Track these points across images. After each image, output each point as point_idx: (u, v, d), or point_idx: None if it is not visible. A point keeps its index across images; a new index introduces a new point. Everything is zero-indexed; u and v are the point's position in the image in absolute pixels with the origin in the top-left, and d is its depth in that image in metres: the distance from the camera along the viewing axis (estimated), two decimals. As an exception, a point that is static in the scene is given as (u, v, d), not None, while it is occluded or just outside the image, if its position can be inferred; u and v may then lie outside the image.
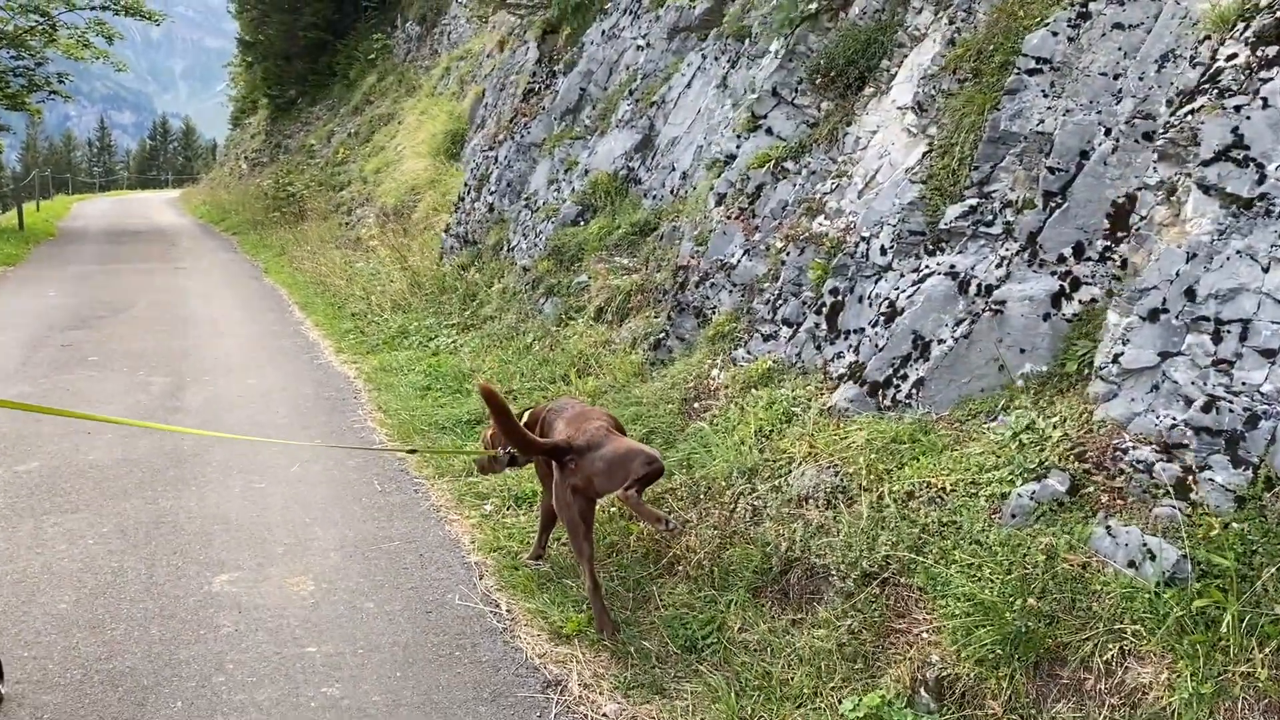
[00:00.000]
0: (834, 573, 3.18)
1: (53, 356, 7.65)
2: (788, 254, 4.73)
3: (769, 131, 5.54)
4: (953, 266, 3.71)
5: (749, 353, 4.62)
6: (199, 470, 5.00)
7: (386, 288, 9.17)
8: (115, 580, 3.75)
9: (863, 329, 4.01)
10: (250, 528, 4.27)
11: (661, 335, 5.33)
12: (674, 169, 7.01)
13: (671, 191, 6.97)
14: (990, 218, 3.69)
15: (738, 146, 5.95)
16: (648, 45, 7.81)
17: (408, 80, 20.87)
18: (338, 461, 5.14)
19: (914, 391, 3.60)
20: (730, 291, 5.01)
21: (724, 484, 3.85)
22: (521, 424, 3.55)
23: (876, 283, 4.08)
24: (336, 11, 25.84)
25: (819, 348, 4.25)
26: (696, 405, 4.55)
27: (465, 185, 9.63)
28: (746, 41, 6.70)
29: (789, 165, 5.20)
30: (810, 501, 3.47)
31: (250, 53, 29.77)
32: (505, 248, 8.48)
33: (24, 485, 4.75)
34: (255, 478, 4.90)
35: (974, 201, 3.76)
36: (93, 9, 21.63)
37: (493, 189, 8.98)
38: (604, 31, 8.48)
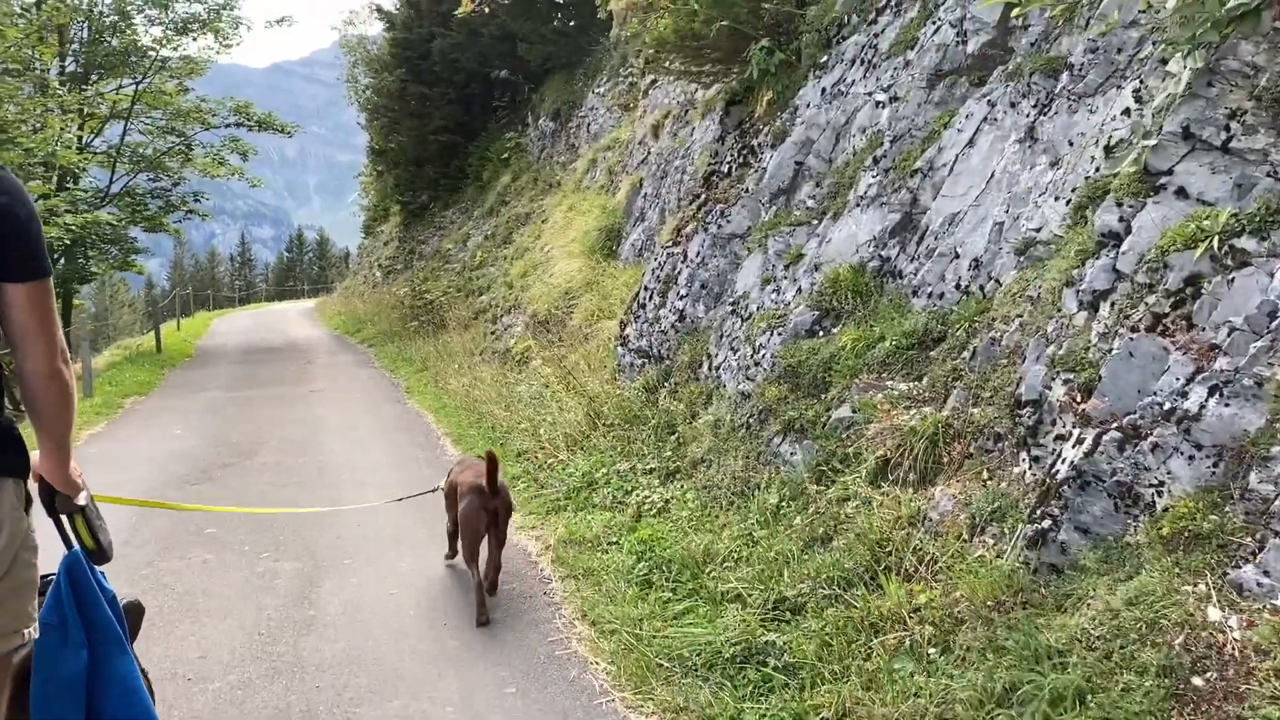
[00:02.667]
0: None
1: (165, 528, 6.17)
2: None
3: (1181, 194, 3.59)
4: None
5: (1270, 577, 2.61)
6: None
7: (557, 418, 7.48)
8: None
9: None
10: None
11: (1045, 525, 3.35)
12: (957, 255, 5.12)
13: (957, 286, 5.06)
14: None
15: (1077, 218, 4.06)
16: (894, 99, 6.02)
17: (544, 177, 19.82)
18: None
19: None
20: (1190, 458, 3.01)
21: None
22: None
23: None
24: (466, 113, 25.35)
25: None
26: (1201, 684, 2.53)
27: (645, 288, 7.94)
28: (1067, 75, 4.82)
29: (1246, 244, 3.23)
30: None
31: (381, 161, 29.65)
32: (707, 365, 6.69)
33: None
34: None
35: None
36: (227, 126, 21.52)
37: (682, 292, 7.26)
38: (824, 90, 6.75)
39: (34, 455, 2.25)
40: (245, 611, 4.68)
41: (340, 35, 36.44)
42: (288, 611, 4.67)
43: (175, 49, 20.74)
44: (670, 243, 7.80)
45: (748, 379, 5.97)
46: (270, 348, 20.85)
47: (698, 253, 7.24)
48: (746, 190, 7.01)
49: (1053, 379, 3.82)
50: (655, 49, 7.63)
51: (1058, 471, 3.49)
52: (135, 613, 2.70)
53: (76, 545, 2.44)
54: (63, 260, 18.63)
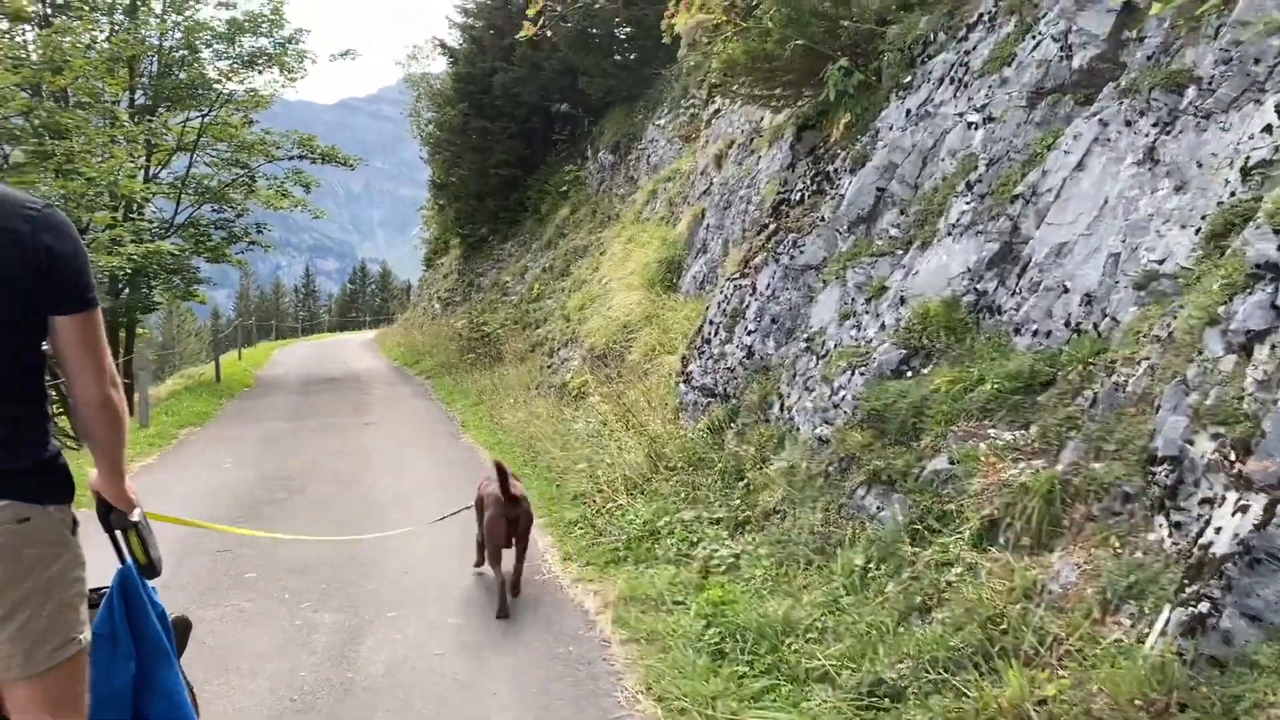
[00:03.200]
0: None
1: (205, 569, 5.85)
2: None
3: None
4: None
5: None
6: None
7: (616, 459, 7.05)
8: None
9: None
10: None
11: (1202, 609, 2.81)
12: (1066, 290, 4.60)
13: (1067, 324, 4.54)
14: None
15: (1210, 248, 3.56)
16: (989, 120, 5.53)
17: (603, 210, 19.58)
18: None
19: None
20: (1398, 536, 2.47)
21: None
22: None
23: None
24: (527, 147, 25.32)
25: None
26: None
27: (709, 323, 7.50)
28: (1193, 90, 4.30)
29: None
30: None
31: (442, 194, 29.75)
32: (778, 406, 6.21)
33: None
34: None
35: None
36: (290, 158, 21.68)
37: (751, 326, 6.81)
38: (908, 112, 6.28)
39: (92, 474, 2.42)
40: (279, 670, 4.29)
41: (404, 71, 36.91)
42: (325, 672, 4.27)
43: (241, 82, 20.99)
44: (737, 274, 7.37)
45: (825, 422, 5.48)
46: (329, 378, 20.80)
47: (768, 285, 6.78)
48: (822, 219, 6.55)
49: (1196, 432, 3.29)
50: (724, 72, 7.25)
51: (1212, 543, 2.95)
52: (183, 628, 2.81)
53: (129, 560, 2.54)
54: (126, 289, 18.79)
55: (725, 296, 7.37)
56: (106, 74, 15.24)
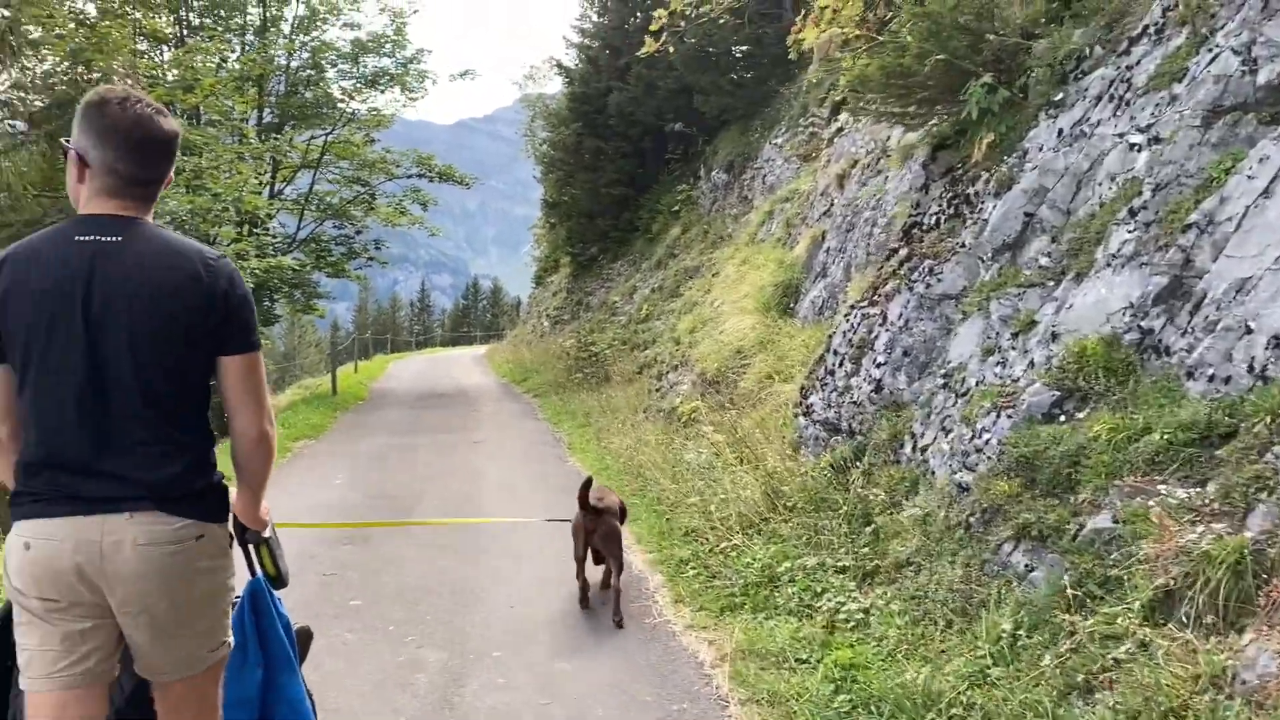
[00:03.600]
0: None
1: (312, 594, 5.75)
2: None
3: None
4: None
5: None
6: None
7: (730, 494, 6.71)
8: None
9: None
10: None
11: None
12: (1249, 330, 4.08)
13: (1251, 369, 4.02)
14: None
15: None
16: (1155, 141, 5.03)
17: (715, 230, 19.31)
18: None
19: None
20: None
21: None
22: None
23: None
24: (639, 166, 25.29)
25: None
26: None
27: (833, 352, 7.11)
28: None
29: None
30: None
31: (554, 213, 30.00)
32: (910, 446, 5.78)
33: None
34: None
35: None
36: (409, 176, 22.09)
37: (880, 359, 6.39)
38: (1060, 131, 5.80)
39: (232, 493, 2.55)
40: (378, 713, 4.10)
41: (520, 91, 37.48)
42: (428, 714, 4.06)
43: (363, 101, 21.53)
44: (865, 302, 6.96)
45: (966, 468, 5.04)
46: (440, 393, 21.04)
47: (900, 315, 6.36)
48: (962, 245, 6.10)
49: None
50: (854, 88, 6.88)
51: None
52: (305, 638, 2.97)
53: (260, 573, 2.72)
54: (251, 303, 19.40)
55: (851, 325, 6.97)
56: (235, 92, 15.75)
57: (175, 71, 13.77)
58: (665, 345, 14.58)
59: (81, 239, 2.26)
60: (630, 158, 25.13)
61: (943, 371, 5.78)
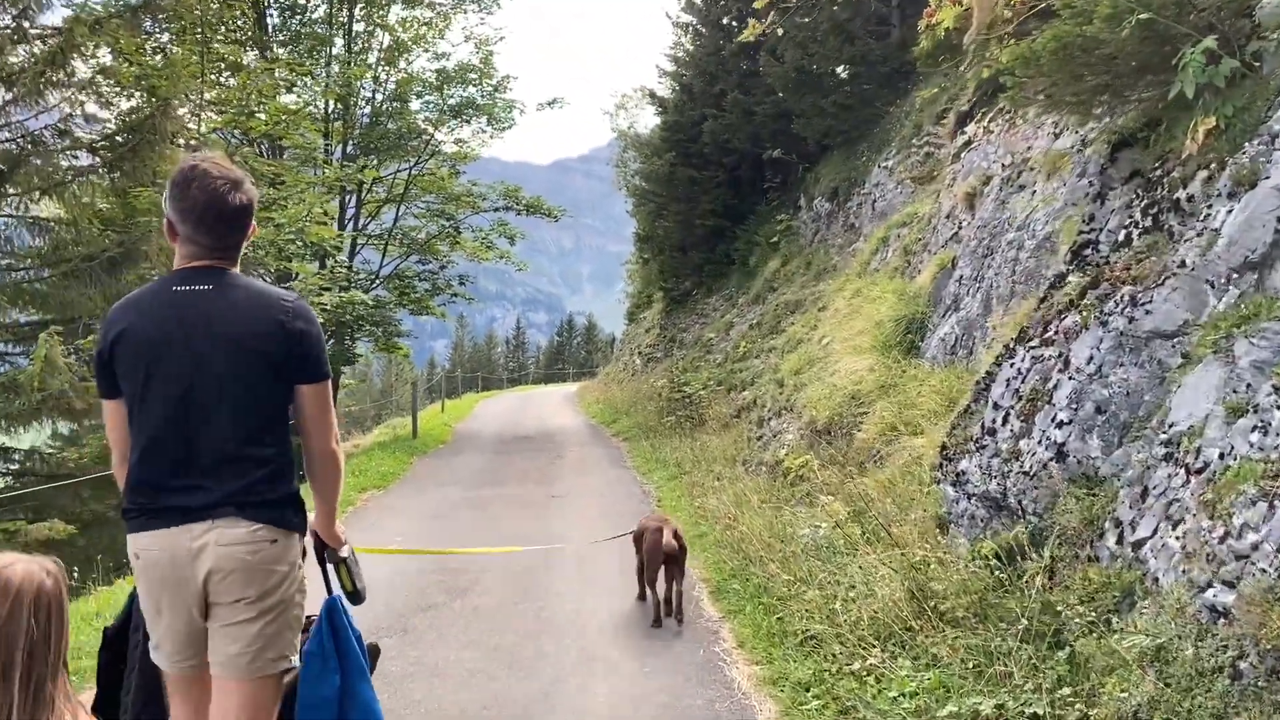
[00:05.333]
0: None
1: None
2: None
3: None
4: None
5: None
6: None
7: (859, 590, 5.19)
8: None
9: None
10: None
11: None
12: None
13: None
14: None
15: None
16: None
17: (818, 262, 17.81)
18: None
19: None
20: None
21: None
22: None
23: None
24: (735, 196, 23.99)
25: None
26: None
27: (994, 405, 5.55)
28: None
29: None
30: None
31: (646, 247, 28.90)
32: (1115, 537, 4.21)
33: None
34: None
35: None
36: (496, 210, 21.20)
37: (1062, 416, 4.83)
38: (1327, 106, 4.22)
39: (311, 516, 2.91)
40: None
41: (611, 121, 36.67)
42: None
43: (449, 133, 20.77)
44: (1034, 340, 5.40)
45: (1222, 582, 3.46)
46: (524, 436, 19.91)
47: (1089, 358, 4.79)
48: (1180, 265, 4.52)
49: None
50: (1018, 71, 5.38)
51: None
52: (374, 653, 3.26)
53: (337, 590, 2.99)
54: (331, 341, 18.67)
55: (1018, 371, 5.40)
56: (305, 120, 15.03)
57: (240, 96, 13.07)
58: (766, 387, 13.09)
59: (178, 289, 2.66)
60: (725, 187, 23.86)
61: (1162, 436, 4.19)
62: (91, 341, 10.88)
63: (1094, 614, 4.02)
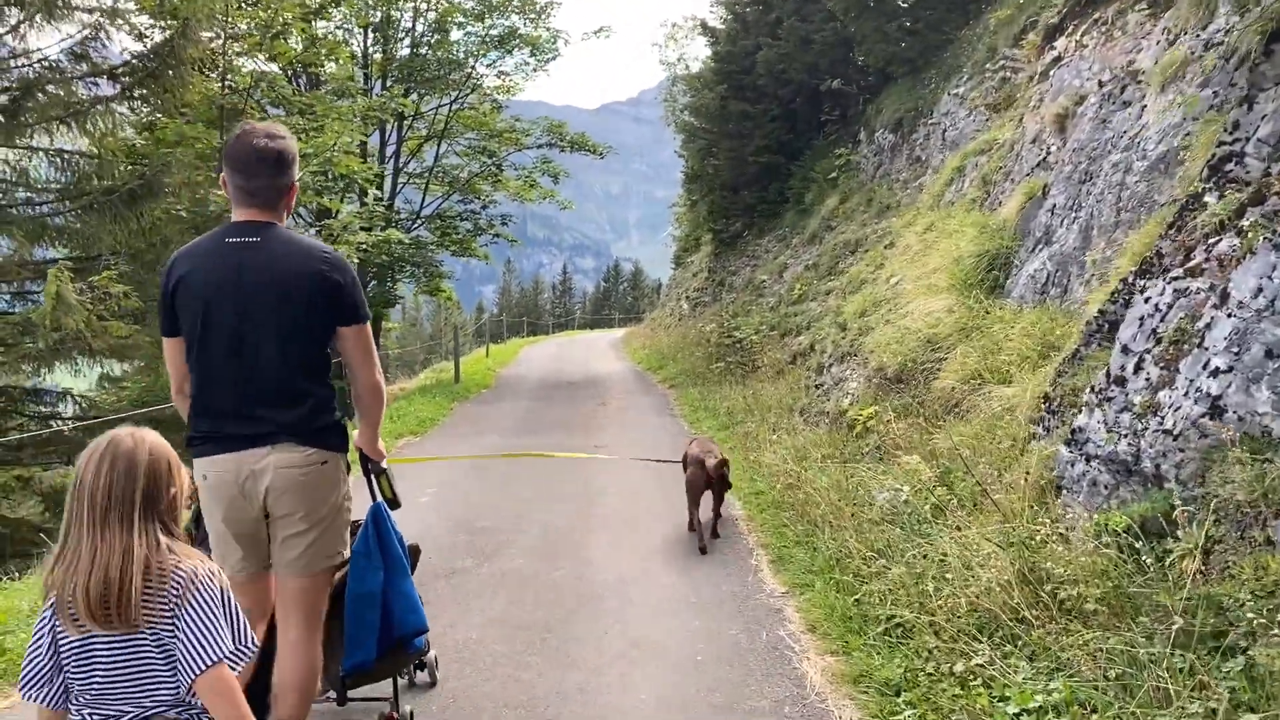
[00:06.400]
0: None
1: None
2: None
3: None
4: None
5: None
6: None
7: (955, 569, 4.33)
8: None
9: None
10: None
11: None
12: None
13: None
14: None
15: None
16: None
17: (880, 198, 16.66)
18: None
19: None
20: None
21: None
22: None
23: None
24: (790, 131, 22.71)
25: None
26: None
27: (1120, 348, 4.61)
28: None
29: None
30: None
31: (695, 187, 27.71)
32: (1299, 516, 3.29)
33: None
34: None
35: None
36: (539, 146, 20.25)
37: (1218, 362, 3.88)
38: None
39: (354, 435, 3.32)
40: None
41: (659, 51, 35.28)
42: None
43: (491, 66, 19.79)
44: (1178, 269, 4.43)
45: None
46: (568, 382, 19.21)
47: (1257, 290, 3.83)
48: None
49: None
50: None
51: None
52: (415, 553, 3.80)
53: (379, 498, 3.43)
54: (374, 283, 17.99)
55: (1155, 308, 4.44)
56: (340, 50, 14.16)
57: (269, 16, 12.22)
58: (826, 331, 12.15)
59: (230, 240, 3.03)
60: (780, 121, 22.59)
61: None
62: (107, 277, 10.26)
63: (1271, 608, 3.14)
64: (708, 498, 6.38)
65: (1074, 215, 7.85)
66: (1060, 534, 4.18)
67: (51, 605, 2.06)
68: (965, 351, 7.74)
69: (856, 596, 4.59)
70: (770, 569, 5.58)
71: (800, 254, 19.05)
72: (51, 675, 2.05)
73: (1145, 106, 7.42)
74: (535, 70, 21.05)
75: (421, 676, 4.12)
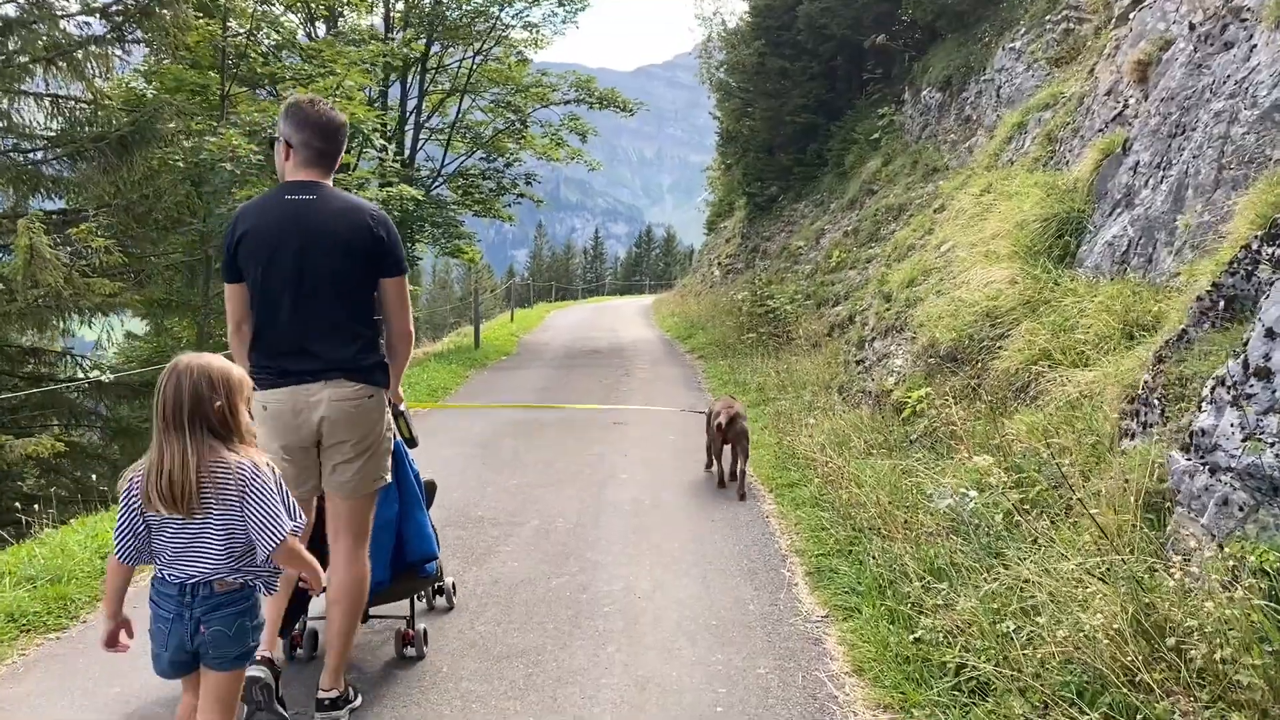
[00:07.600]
0: None
1: None
2: None
3: None
4: None
5: None
6: None
7: (1045, 611, 3.44)
8: None
9: None
10: None
11: None
12: None
13: None
14: None
15: None
16: None
17: (925, 160, 15.57)
18: None
19: None
20: None
21: None
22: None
23: None
24: (830, 90, 21.58)
25: None
26: None
27: (1263, 332, 3.67)
28: None
29: None
30: None
31: (730, 150, 26.59)
32: None
33: None
34: None
35: None
36: (567, 102, 19.27)
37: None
38: None
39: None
40: None
41: (695, 4, 33.89)
42: None
43: (518, 15, 18.79)
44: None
45: None
46: (593, 350, 18.38)
47: None
48: None
49: None
50: None
51: None
52: (430, 489, 4.21)
53: (398, 436, 3.71)
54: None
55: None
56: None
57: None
58: (868, 301, 11.20)
59: (289, 198, 3.35)
60: (820, 80, 21.48)
61: None
62: (86, 230, 9.50)
63: None
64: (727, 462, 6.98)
65: (1162, 174, 6.83)
66: (1181, 567, 3.28)
67: (135, 494, 2.52)
68: (1032, 328, 6.79)
69: (916, 635, 3.71)
70: (806, 583, 4.71)
71: (839, 219, 18.03)
72: (135, 545, 2.56)
73: (1254, 46, 6.37)
74: (564, 22, 20.05)
75: (440, 601, 4.47)
